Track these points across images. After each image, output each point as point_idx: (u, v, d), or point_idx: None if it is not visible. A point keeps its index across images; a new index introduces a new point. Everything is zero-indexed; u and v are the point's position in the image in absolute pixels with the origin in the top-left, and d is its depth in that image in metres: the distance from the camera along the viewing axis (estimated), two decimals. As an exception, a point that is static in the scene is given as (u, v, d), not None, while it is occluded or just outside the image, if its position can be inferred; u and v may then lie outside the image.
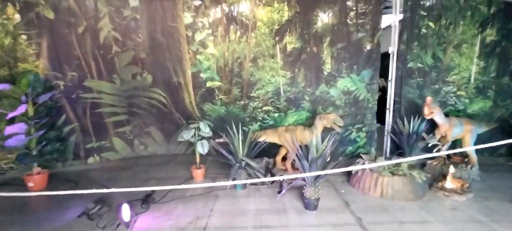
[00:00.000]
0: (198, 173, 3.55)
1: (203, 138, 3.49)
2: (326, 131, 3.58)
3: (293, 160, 3.33)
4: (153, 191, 3.13)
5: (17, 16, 3.50)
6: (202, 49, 3.94)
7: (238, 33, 3.85)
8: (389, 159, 3.41)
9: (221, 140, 3.60)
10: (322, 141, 2.82)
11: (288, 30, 3.84)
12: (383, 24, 3.91)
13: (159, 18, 3.79)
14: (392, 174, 2.99)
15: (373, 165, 2.90)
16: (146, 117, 4.33)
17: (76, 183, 3.41)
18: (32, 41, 3.60)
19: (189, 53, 3.97)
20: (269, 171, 3.55)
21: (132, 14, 3.78)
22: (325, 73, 3.96)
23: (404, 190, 2.88)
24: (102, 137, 4.19)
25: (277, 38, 3.87)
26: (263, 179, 3.16)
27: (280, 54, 3.93)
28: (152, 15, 3.79)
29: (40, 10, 3.53)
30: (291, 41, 3.88)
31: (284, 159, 3.81)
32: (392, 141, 3.95)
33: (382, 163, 3.03)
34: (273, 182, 3.40)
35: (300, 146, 2.96)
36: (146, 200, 2.81)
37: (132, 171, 3.93)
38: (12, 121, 3.07)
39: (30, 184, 3.22)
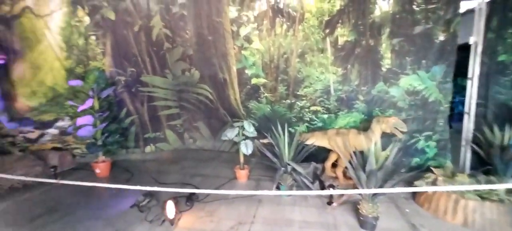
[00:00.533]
0: (242, 173, 3.51)
1: (247, 137, 3.41)
2: (384, 137, 3.11)
3: (346, 167, 2.99)
4: (197, 188, 3.22)
5: (87, 19, 3.93)
6: (247, 44, 3.81)
7: (285, 26, 3.57)
8: (473, 176, 2.74)
9: (265, 141, 3.47)
10: (382, 149, 2.41)
11: (340, 21, 3.39)
12: (463, 8, 3.11)
13: (205, 14, 3.78)
14: (481, 198, 2.37)
15: (459, 187, 2.26)
16: (195, 111, 4.48)
17: (132, 174, 3.75)
18: (99, 41, 4.02)
19: (234, 48, 3.88)
20: (317, 178, 3.28)
21: (180, 11, 3.86)
22: (384, 69, 3.41)
23: (501, 221, 2.26)
24: (157, 128, 4.52)
25: (327, 31, 3.47)
26: (311, 192, 2.90)
27: (331, 48, 3.52)
28: (198, 10, 3.80)
29: (103, 12, 3.89)
30: (343, 34, 3.43)
31: (334, 165, 3.48)
32: (474, 152, 3.21)
33: (474, 186, 2.31)
34: (322, 190, 3.14)
35: (354, 153, 2.61)
36: (190, 198, 2.87)
37: (180, 165, 4.14)
38: (82, 114, 3.50)
39: (97, 171, 3.66)
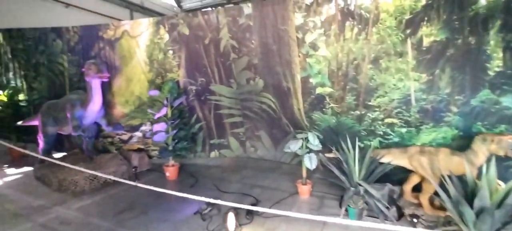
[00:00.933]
0: (304, 189, 3.29)
1: (311, 150, 3.19)
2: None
3: (435, 194, 2.44)
4: (257, 200, 3.15)
5: (166, 36, 4.43)
6: (313, 52, 3.61)
7: (355, 29, 3.24)
8: None
9: (331, 155, 3.17)
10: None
11: (426, 18, 2.86)
12: None
13: (270, 23, 3.77)
14: None
15: None
16: (257, 120, 4.48)
17: (197, 179, 3.96)
18: (175, 55, 4.47)
19: (299, 56, 3.74)
20: (393, 203, 2.80)
21: (246, 21, 3.96)
22: (491, 73, 2.69)
23: None
24: (222, 135, 4.70)
25: (408, 31, 2.98)
26: (392, 227, 2.49)
27: (412, 51, 3.00)
28: (263, 20, 3.82)
29: (180, 28, 4.31)
30: (429, 33, 2.88)
31: (414, 189, 2.91)
32: None
33: None
34: (400, 218, 2.66)
35: (450, 177, 2.10)
36: (251, 211, 2.81)
37: (241, 174, 4.17)
38: (158, 121, 3.90)
39: (167, 174, 3.99)
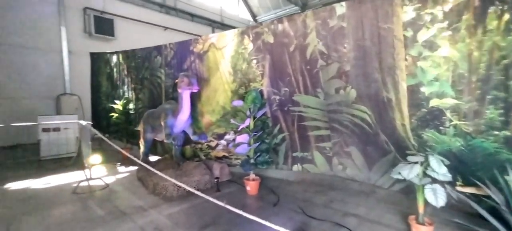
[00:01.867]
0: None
1: (434, 180, 2.42)
2: None
3: None
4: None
5: (250, 45, 4.35)
6: (428, 53, 2.82)
7: (506, 16, 2.32)
8: None
9: (471, 190, 2.34)
10: None
11: None
12: None
13: (369, 22, 3.17)
14: None
15: None
16: (347, 135, 3.87)
17: (278, 198, 3.64)
18: (259, 64, 4.34)
19: (405, 60, 3.00)
20: None
21: (338, 23, 3.47)
22: None
23: None
24: (305, 148, 4.28)
25: None
26: None
27: None
28: (359, 19, 3.25)
29: (264, 37, 4.16)
30: None
31: None
32: None
33: None
34: None
35: None
36: None
37: (328, 196, 3.63)
38: (241, 132, 3.80)
39: (248, 188, 3.82)
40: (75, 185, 4.23)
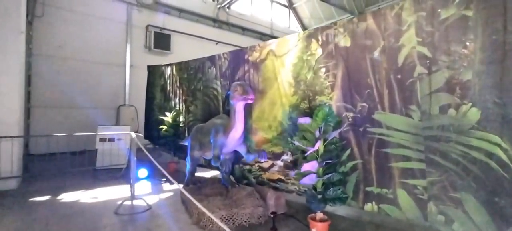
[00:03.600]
0: None
1: None
2: None
3: None
4: None
5: (319, 51, 3.57)
6: None
7: None
8: None
9: None
10: None
11: None
12: None
13: (518, 6, 2.12)
14: None
15: None
16: (457, 175, 2.72)
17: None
18: (329, 73, 3.51)
19: None
20: None
21: (457, 12, 2.46)
22: None
23: None
24: (384, 183, 3.21)
25: None
26: None
27: None
28: (500, 2, 2.21)
29: (338, 40, 3.34)
30: None
31: None
32: None
33: None
34: None
35: None
36: None
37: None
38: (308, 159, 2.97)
39: (313, 230, 2.94)
40: (119, 202, 3.89)
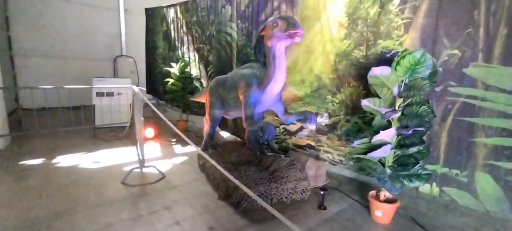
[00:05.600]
0: None
1: None
2: None
3: None
4: None
5: (395, -27, 2.54)
6: None
7: None
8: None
9: None
10: None
11: None
12: None
13: None
14: None
15: None
16: None
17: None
18: (406, 6, 2.54)
19: None
20: None
21: None
22: None
23: None
24: (458, 162, 2.48)
25: None
26: None
27: None
28: None
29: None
30: None
31: None
32: None
33: None
34: None
35: None
36: None
37: None
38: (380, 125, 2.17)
39: (376, 212, 2.29)
40: (127, 170, 3.22)
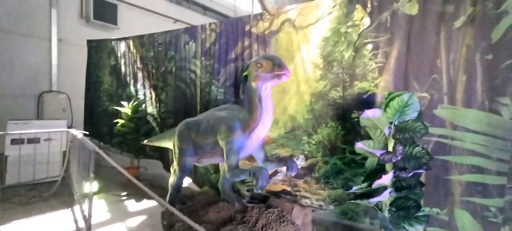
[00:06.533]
0: None
1: None
2: None
3: None
4: None
5: (366, 21, 2.71)
6: None
7: None
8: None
9: None
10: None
11: None
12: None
13: None
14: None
15: None
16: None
17: None
18: (378, 52, 2.70)
19: None
20: None
21: None
22: None
23: None
24: (435, 201, 2.58)
25: None
26: None
27: None
28: None
29: (398, 6, 2.54)
30: None
31: None
32: None
33: None
34: None
35: None
36: None
37: None
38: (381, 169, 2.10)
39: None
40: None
